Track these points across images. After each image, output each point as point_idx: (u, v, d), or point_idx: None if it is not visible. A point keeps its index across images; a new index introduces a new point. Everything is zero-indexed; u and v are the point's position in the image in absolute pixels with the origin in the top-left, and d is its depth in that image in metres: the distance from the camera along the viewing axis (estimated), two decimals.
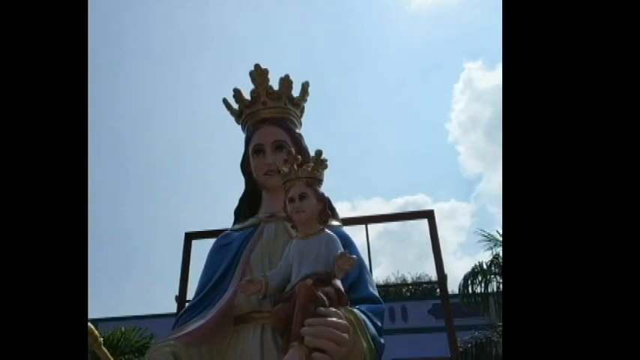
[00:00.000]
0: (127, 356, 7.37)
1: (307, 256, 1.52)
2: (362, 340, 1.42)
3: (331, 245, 1.53)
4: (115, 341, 7.60)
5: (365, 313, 1.52)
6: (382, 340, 1.54)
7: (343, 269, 1.43)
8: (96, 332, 1.25)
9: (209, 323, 1.58)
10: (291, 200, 1.58)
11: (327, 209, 1.61)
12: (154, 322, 11.46)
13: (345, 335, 1.34)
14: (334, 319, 1.35)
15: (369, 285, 1.70)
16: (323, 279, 1.45)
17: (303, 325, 1.32)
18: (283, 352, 1.36)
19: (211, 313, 1.61)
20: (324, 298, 1.39)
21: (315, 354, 1.30)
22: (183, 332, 1.57)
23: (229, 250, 1.82)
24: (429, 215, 3.77)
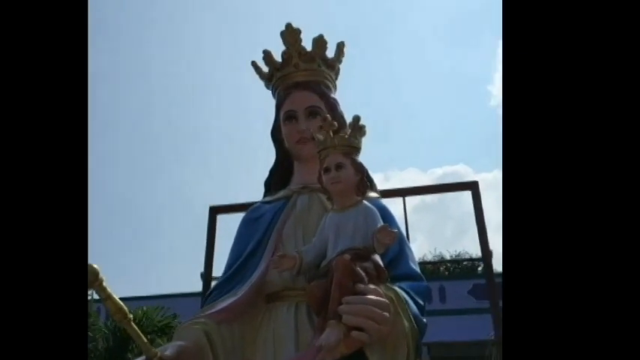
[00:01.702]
0: (149, 336, 7.54)
1: (344, 229, 1.53)
2: (403, 319, 1.43)
3: (370, 218, 1.53)
4: (137, 320, 7.66)
5: (406, 291, 1.54)
6: (425, 320, 1.56)
7: (383, 244, 1.44)
8: (125, 308, 1.28)
9: (241, 301, 1.62)
10: (327, 170, 1.58)
11: (365, 180, 1.62)
12: (177, 302, 11.74)
13: (386, 314, 1.36)
14: (374, 296, 1.36)
15: (410, 261, 1.72)
16: (361, 254, 1.47)
17: (341, 303, 1.34)
18: (319, 330, 1.38)
19: (243, 290, 1.65)
20: (363, 274, 1.41)
21: (354, 332, 1.32)
22: (214, 310, 1.61)
23: (260, 224, 1.84)
24: (472, 187, 3.75)
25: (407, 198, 3.81)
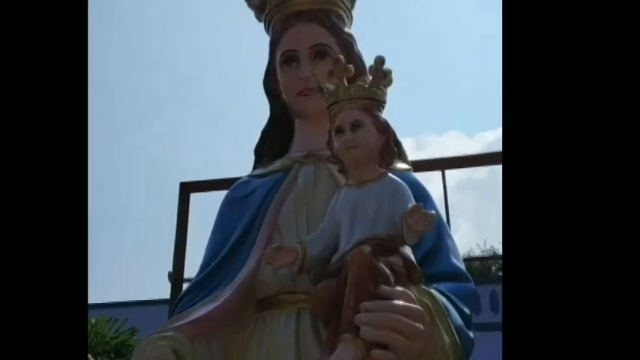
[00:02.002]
0: (100, 357, 7.60)
1: (363, 211, 1.53)
2: (442, 332, 1.44)
3: (398, 196, 1.54)
4: None
5: (446, 295, 1.55)
6: (471, 334, 1.57)
7: (416, 231, 1.43)
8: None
9: (223, 308, 1.62)
10: (340, 131, 1.58)
11: (391, 144, 1.62)
12: (137, 312, 11.83)
13: (419, 325, 1.36)
14: (402, 302, 1.36)
15: (451, 254, 1.73)
16: (386, 245, 1.47)
17: (358, 311, 1.33)
18: (329, 347, 1.38)
19: (225, 294, 1.65)
20: (388, 272, 1.41)
21: (376, 351, 1.31)
22: (186, 320, 1.62)
23: (249, 205, 1.85)
24: None
25: (447, 171, 3.78)
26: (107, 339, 8.01)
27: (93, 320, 8.20)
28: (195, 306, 1.68)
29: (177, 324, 1.61)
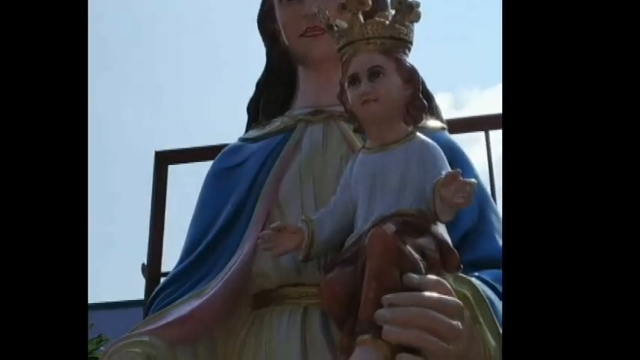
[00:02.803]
0: None
1: (385, 181, 1.53)
2: (486, 332, 1.45)
3: (429, 161, 1.53)
4: None
5: (492, 286, 1.55)
6: None
7: (453, 204, 1.42)
8: None
9: (210, 305, 1.62)
10: (355, 80, 1.56)
11: (420, 96, 1.60)
12: (105, 316, 11.92)
13: (457, 323, 1.36)
14: (435, 294, 1.36)
15: (496, 234, 1.73)
16: (414, 224, 1.46)
17: (380, 306, 1.32)
18: (344, 352, 1.38)
19: (212, 288, 1.65)
20: (418, 257, 1.40)
21: (403, 355, 1.30)
22: (164, 321, 1.62)
23: (241, 176, 1.86)
24: None
25: (492, 132, 3.74)
26: None
27: None
28: (175, 303, 1.68)
29: (152, 326, 1.62)
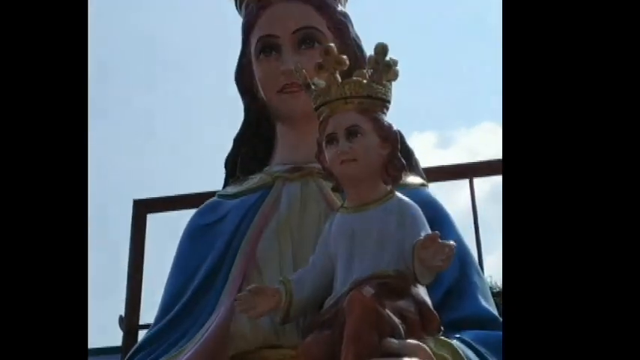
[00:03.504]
0: None
1: (363, 242, 1.50)
2: None
3: (408, 222, 1.51)
4: None
5: (472, 347, 1.52)
6: None
7: (432, 267, 1.39)
8: None
9: None
10: (333, 140, 1.53)
11: (398, 155, 1.57)
12: None
13: None
14: (415, 359, 1.33)
15: (478, 294, 1.70)
16: (393, 286, 1.44)
17: None
18: None
19: (190, 350, 1.62)
20: (397, 321, 1.37)
21: None
22: None
23: (219, 234, 1.83)
24: None
25: (477, 179, 3.73)
26: None
27: None
28: None
29: None
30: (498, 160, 3.95)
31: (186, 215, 2.07)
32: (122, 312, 3.79)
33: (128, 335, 3.68)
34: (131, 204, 3.85)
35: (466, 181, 3.67)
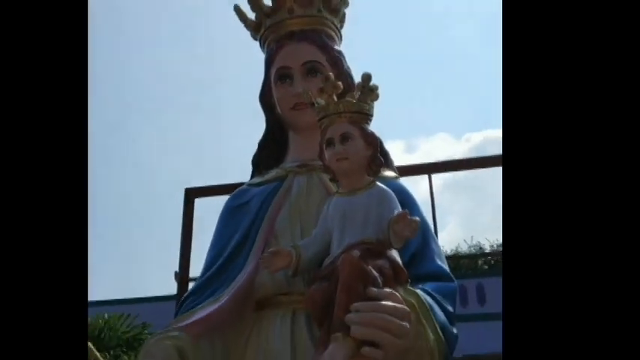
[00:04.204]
0: (113, 351, 7.60)
1: (353, 218, 1.54)
2: (427, 330, 1.45)
3: (385, 204, 1.55)
4: (98, 332, 7.82)
5: (431, 295, 1.55)
6: (455, 330, 1.57)
7: (402, 236, 1.45)
8: (92, 348, 1.32)
9: (223, 309, 1.63)
10: (330, 143, 1.58)
11: (378, 155, 1.62)
12: (147, 307, 11.75)
13: (405, 324, 1.36)
14: (390, 302, 1.37)
15: (435, 256, 1.74)
16: (374, 249, 1.48)
17: (349, 311, 1.34)
18: (322, 345, 1.39)
19: (225, 295, 1.66)
20: (376, 275, 1.42)
21: (366, 349, 1.32)
22: (189, 321, 1.62)
23: (247, 213, 1.85)
24: None
25: (434, 175, 3.78)
26: (120, 333, 7.96)
27: (106, 316, 8.19)
28: (197, 307, 1.68)
29: (181, 324, 1.61)
30: (449, 161, 4.03)
31: (222, 199, 2.07)
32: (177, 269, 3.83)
33: (181, 285, 3.72)
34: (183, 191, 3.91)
35: (426, 176, 3.74)
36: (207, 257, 1.88)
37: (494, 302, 14.68)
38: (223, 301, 1.64)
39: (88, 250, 1.29)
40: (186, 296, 1.81)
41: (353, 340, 1.32)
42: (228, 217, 1.93)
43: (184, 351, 1.54)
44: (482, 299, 15.10)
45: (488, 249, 21.92)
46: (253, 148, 2.16)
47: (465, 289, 14.85)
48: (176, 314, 1.75)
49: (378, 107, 1.66)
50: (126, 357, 7.16)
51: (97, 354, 1.33)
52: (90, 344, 1.30)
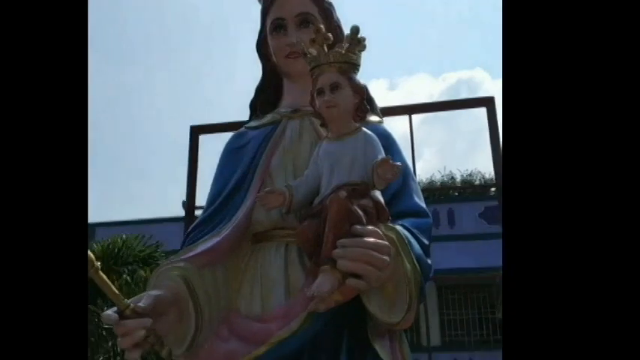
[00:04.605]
0: (130, 267, 7.73)
1: (340, 161, 1.50)
2: (405, 261, 1.43)
3: (370, 148, 1.50)
4: (116, 250, 7.95)
5: (409, 230, 1.53)
6: (429, 261, 1.55)
7: (385, 179, 1.41)
8: (92, 256, 1.25)
9: (224, 241, 1.61)
10: (321, 92, 1.52)
11: (364, 102, 1.57)
12: (159, 228, 11.93)
13: (386, 258, 1.36)
14: (372, 239, 1.36)
15: (414, 195, 1.70)
16: (359, 190, 1.44)
17: (336, 247, 1.33)
18: (312, 275, 1.40)
19: (226, 229, 1.63)
20: (361, 213, 1.39)
21: (350, 279, 1.33)
22: (194, 252, 1.61)
23: (245, 154, 1.81)
24: (487, 103, 3.69)
25: (413, 116, 3.76)
26: (136, 252, 8.09)
27: (124, 236, 8.31)
28: (201, 239, 1.66)
29: (186, 255, 1.60)
30: (427, 103, 4.02)
31: (224, 136, 2.02)
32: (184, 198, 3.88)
33: (188, 212, 3.77)
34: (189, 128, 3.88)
35: (406, 117, 3.70)
36: (209, 193, 1.84)
37: (462, 225, 15.00)
38: (224, 235, 1.62)
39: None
40: (191, 229, 1.77)
41: (339, 272, 1.32)
42: (228, 157, 1.87)
43: (190, 279, 1.54)
44: (451, 222, 15.39)
45: (459, 177, 22.25)
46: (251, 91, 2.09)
47: (437, 213, 15.13)
48: (182, 245, 1.72)
49: (365, 51, 1.60)
50: (142, 272, 7.29)
51: (95, 261, 1.26)
52: (90, 253, 1.23)
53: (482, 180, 21.04)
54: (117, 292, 1.31)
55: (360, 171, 1.47)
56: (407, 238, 1.48)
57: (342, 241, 1.33)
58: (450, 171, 23.18)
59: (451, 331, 15.73)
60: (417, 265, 1.44)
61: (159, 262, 8.04)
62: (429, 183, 20.74)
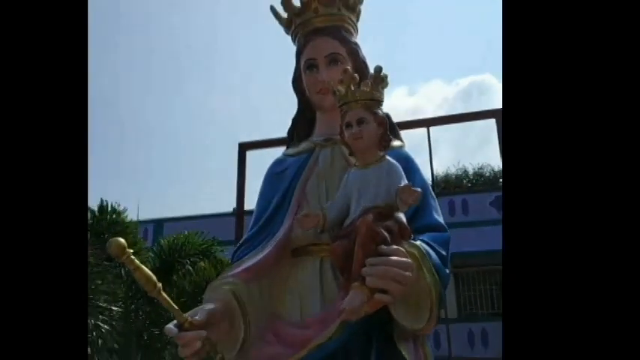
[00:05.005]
0: (191, 258, 8.09)
1: (367, 187, 1.47)
2: (425, 273, 1.41)
3: (393, 175, 1.48)
4: (180, 245, 8.29)
5: (428, 243, 1.50)
6: (447, 271, 1.51)
7: (407, 203, 1.39)
8: (154, 278, 1.25)
9: (267, 258, 1.61)
10: (348, 125, 1.51)
11: (387, 133, 1.55)
12: (214, 223, 12.07)
13: (408, 274, 1.33)
14: (396, 257, 1.34)
15: (433, 211, 1.66)
16: (384, 213, 1.42)
17: (364, 265, 1.32)
18: (344, 290, 1.39)
19: (268, 247, 1.63)
20: (386, 234, 1.37)
21: (378, 295, 1.31)
22: (241, 268, 1.61)
23: (283, 179, 1.80)
24: (497, 115, 3.61)
25: (432, 128, 3.72)
26: (196, 245, 8.34)
27: (186, 232, 8.61)
28: (247, 256, 1.66)
29: (235, 271, 1.61)
30: (444, 116, 3.96)
31: (270, 152, 2.01)
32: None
33: (238, 218, 3.80)
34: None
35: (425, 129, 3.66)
36: (254, 214, 1.84)
37: (475, 212, 14.79)
38: (267, 252, 1.62)
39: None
40: (239, 246, 1.78)
41: (368, 288, 1.31)
42: (269, 182, 1.87)
43: (238, 293, 1.55)
44: (465, 210, 15.19)
45: (471, 171, 21.93)
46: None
47: (454, 202, 14.97)
48: (231, 260, 1.74)
49: (387, 59, 1.60)
50: (202, 263, 7.56)
51: (138, 263, 1.22)
52: (129, 251, 1.19)
53: (492, 172, 20.71)
54: (176, 307, 1.31)
55: (384, 196, 1.44)
56: (426, 250, 1.45)
57: (370, 260, 1.31)
58: (463, 165, 22.82)
59: (466, 306, 15.57)
60: (435, 275, 1.42)
61: (215, 254, 8.28)
62: (445, 176, 20.46)
